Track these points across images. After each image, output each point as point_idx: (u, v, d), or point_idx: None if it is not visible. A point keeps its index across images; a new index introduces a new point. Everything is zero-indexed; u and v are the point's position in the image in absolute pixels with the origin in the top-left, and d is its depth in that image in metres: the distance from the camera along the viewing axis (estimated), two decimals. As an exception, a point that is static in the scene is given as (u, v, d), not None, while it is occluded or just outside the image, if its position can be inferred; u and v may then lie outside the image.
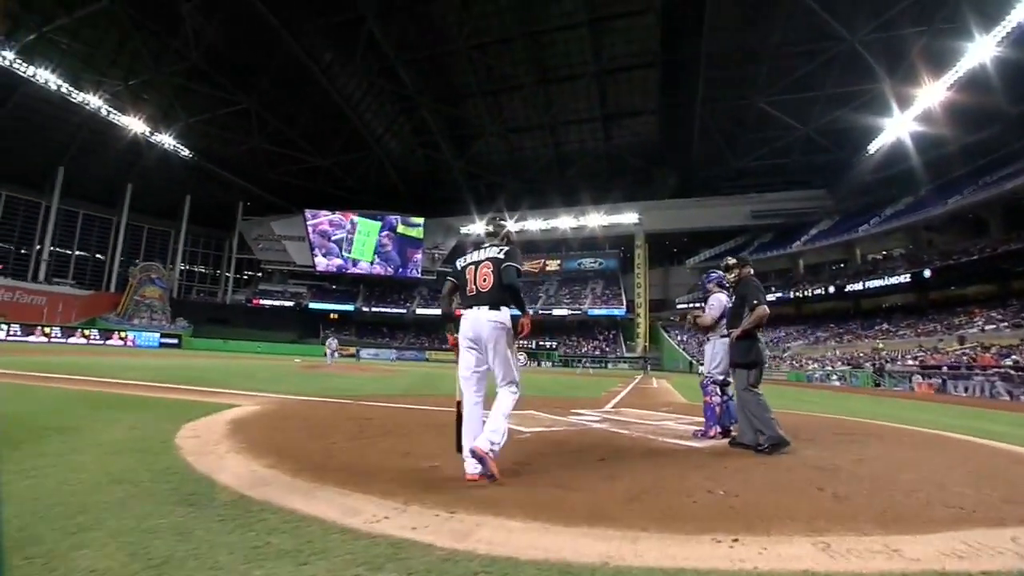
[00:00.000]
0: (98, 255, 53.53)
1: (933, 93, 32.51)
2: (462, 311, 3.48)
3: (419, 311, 59.59)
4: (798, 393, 15.71)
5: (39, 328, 40.52)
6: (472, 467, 2.92)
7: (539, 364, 47.13)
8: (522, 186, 56.37)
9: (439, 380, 13.46)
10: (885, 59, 34.51)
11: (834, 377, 29.55)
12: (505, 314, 3.35)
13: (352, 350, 44.37)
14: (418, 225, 60.63)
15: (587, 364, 36.66)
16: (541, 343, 52.96)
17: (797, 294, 44.49)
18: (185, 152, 49.99)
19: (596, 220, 55.12)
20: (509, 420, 3.20)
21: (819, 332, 41.40)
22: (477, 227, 57.80)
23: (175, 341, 46.56)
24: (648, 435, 4.58)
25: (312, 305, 59.94)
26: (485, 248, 3.50)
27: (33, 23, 37.42)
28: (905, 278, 35.95)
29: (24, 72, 38.08)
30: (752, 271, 4.72)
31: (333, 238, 60.08)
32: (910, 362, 26.64)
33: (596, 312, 55.28)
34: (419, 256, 60.16)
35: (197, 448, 3.31)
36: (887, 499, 2.73)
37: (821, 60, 37.82)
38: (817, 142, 45.01)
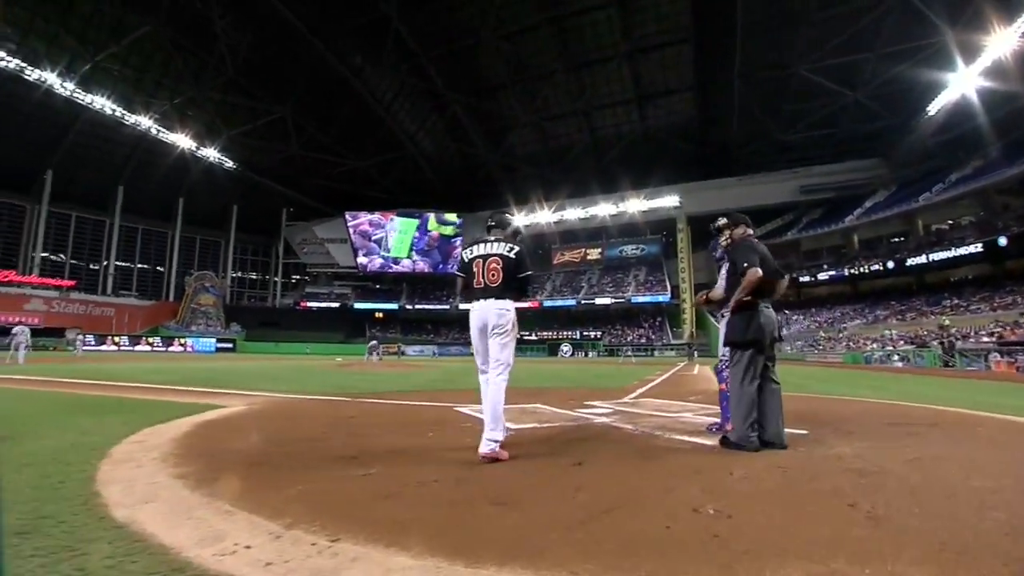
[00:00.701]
0: (157, 267, 56.32)
1: (1003, 42, 29.42)
2: (469, 304, 3.62)
3: (462, 306, 59.37)
4: (852, 376, 14.37)
5: (109, 338, 42.99)
6: (484, 447, 3.16)
7: (585, 354, 46.27)
8: (559, 175, 55.48)
9: (464, 375, 13.08)
10: (946, 7, 31.34)
11: (895, 357, 27.48)
12: (510, 304, 3.55)
13: (396, 347, 44.88)
14: (454, 223, 60.71)
15: (629, 353, 35.57)
16: (585, 333, 52.07)
17: (852, 271, 41.86)
18: (229, 164, 51.87)
19: (636, 205, 53.65)
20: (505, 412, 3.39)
21: (878, 310, 38.79)
22: (516, 219, 56.96)
23: (230, 345, 48.43)
24: (655, 430, 3.93)
25: (357, 305, 61.14)
26: (491, 242, 3.62)
27: (88, 53, 39.49)
28: (976, 248, 33.06)
29: (83, 100, 40.28)
30: (750, 231, 3.92)
31: (374, 239, 61.00)
32: (985, 339, 24.36)
33: (640, 299, 53.90)
34: (459, 252, 60.12)
35: (126, 456, 3.00)
36: (948, 521, 1.94)
37: (871, 17, 35.10)
38: (868, 108, 41.99)
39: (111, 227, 51.73)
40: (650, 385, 9.68)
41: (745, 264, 3.52)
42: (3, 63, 36.18)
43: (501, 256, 3.55)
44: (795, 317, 45.00)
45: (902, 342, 30.31)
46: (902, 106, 39.74)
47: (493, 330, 3.48)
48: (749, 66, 40.94)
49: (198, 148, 48.58)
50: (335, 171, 57.15)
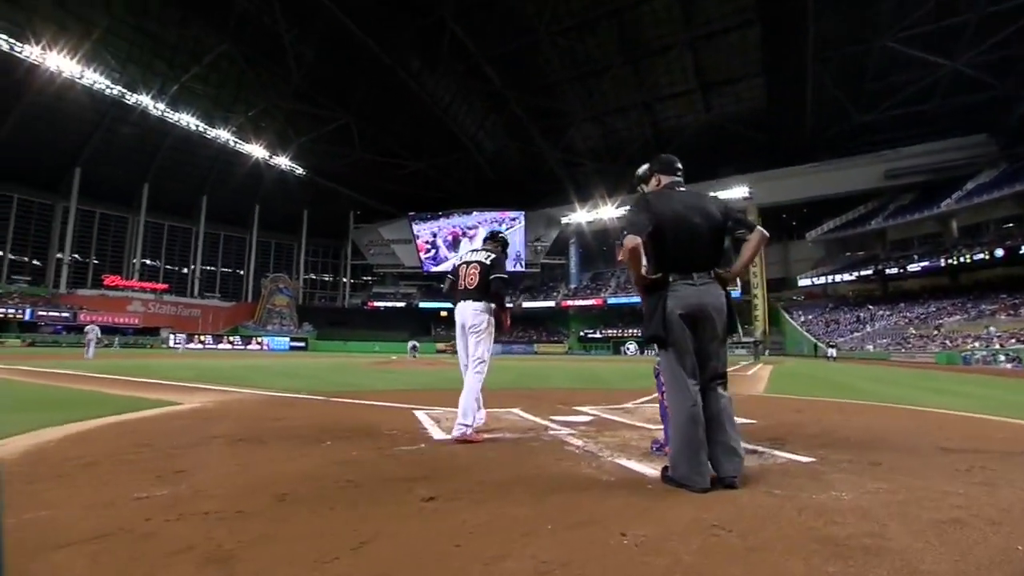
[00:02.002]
0: (238, 270, 60.23)
1: None
2: (454, 304, 4.10)
3: (525, 304, 59.66)
4: (938, 380, 12.65)
5: (196, 337, 46.40)
6: (455, 431, 3.66)
7: (642, 353, 44.71)
8: (621, 170, 54.02)
9: (496, 371, 12.79)
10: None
11: (1002, 358, 24.46)
12: (485, 305, 3.98)
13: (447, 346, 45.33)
14: (515, 220, 60.62)
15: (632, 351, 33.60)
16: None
17: (950, 261, 37.75)
18: (299, 171, 54.45)
19: (702, 198, 51.19)
20: (478, 400, 3.87)
21: (983, 304, 34.84)
22: (578, 216, 56.66)
23: (303, 344, 50.91)
24: (605, 450, 3.28)
25: (422, 304, 62.39)
26: (479, 251, 4.16)
27: (175, 76, 42.89)
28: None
29: (172, 119, 43.76)
30: (674, 180, 2.87)
31: (437, 238, 62.10)
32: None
33: (708, 296, 51.48)
34: (523, 250, 60.13)
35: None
36: None
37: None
38: (969, 78, 37.65)
39: (196, 234, 55.87)
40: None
41: (624, 233, 2.65)
42: (109, 90, 39.83)
43: (479, 263, 4.05)
44: (880, 312, 41.37)
45: (1013, 340, 26.99)
46: (1013, 72, 35.31)
47: (469, 329, 3.96)
48: (824, 44, 37.87)
49: (271, 157, 51.35)
50: (398, 173, 58.64)
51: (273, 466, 2.91)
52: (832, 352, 30.17)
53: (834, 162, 45.75)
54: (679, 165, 2.96)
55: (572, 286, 60.04)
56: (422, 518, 2.03)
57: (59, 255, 47.94)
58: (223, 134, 47.44)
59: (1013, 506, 2.13)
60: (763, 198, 47.90)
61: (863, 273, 44.15)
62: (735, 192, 49.24)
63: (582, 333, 54.78)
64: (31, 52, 35.74)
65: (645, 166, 3.09)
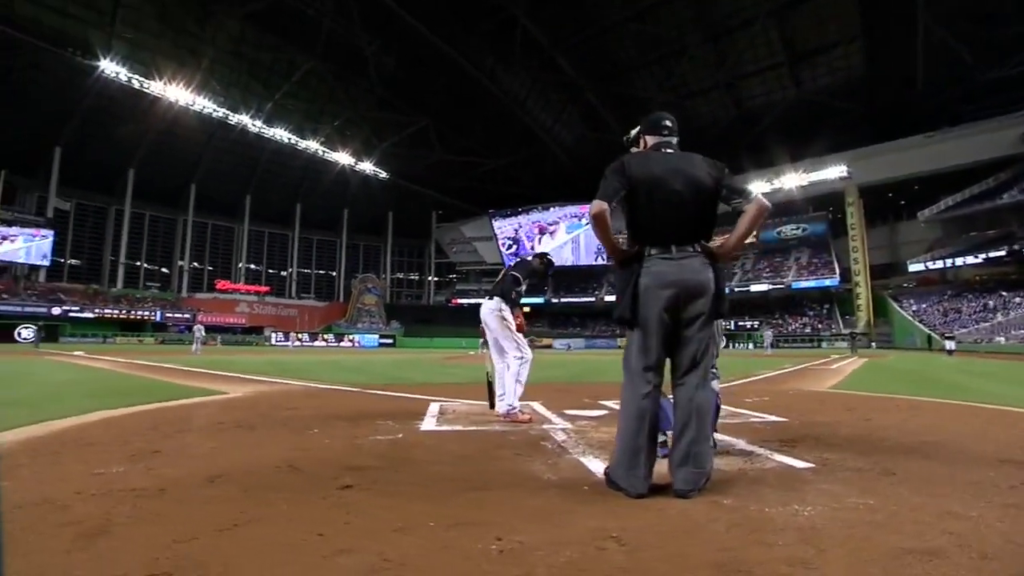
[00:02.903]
0: (330, 272, 64.35)
1: None
2: None
3: (607, 298, 58.68)
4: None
5: (294, 335, 50.07)
6: (501, 409, 4.20)
7: (733, 346, 42.31)
8: (704, 155, 51.56)
9: (551, 367, 12.62)
10: None
11: None
12: (497, 303, 4.37)
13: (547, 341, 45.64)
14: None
15: (766, 344, 30.54)
16: (741, 323, 47.61)
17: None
18: (383, 174, 57.02)
19: (793, 180, 47.58)
20: (521, 383, 4.27)
21: None
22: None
23: (391, 341, 53.31)
24: (588, 447, 3.11)
25: (504, 300, 63.17)
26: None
27: (269, 95, 46.64)
28: None
29: (268, 134, 47.56)
30: (660, 140, 2.49)
31: (518, 234, 62.60)
32: None
33: (803, 284, 47.86)
34: (599, 243, 59.15)
35: None
36: None
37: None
38: None
39: (292, 239, 60.36)
40: (738, 382, 8.30)
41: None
42: (215, 113, 44.05)
43: (506, 266, 4.77)
44: (1016, 299, 36.24)
45: None
46: None
47: (485, 325, 4.48)
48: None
49: (356, 163, 54.22)
50: (478, 171, 59.68)
51: (240, 451, 3.02)
52: (950, 345, 26.74)
53: (953, 130, 40.51)
54: (668, 123, 2.55)
55: (655, 279, 58.08)
56: (312, 505, 2.02)
57: (180, 263, 53.79)
58: (312, 144, 50.77)
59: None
60: (864, 176, 43.61)
61: (994, 254, 38.83)
62: (830, 172, 45.29)
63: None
64: (154, 87, 40.24)
65: (637, 128, 2.68)
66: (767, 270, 51.78)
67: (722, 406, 5.04)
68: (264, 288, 56.81)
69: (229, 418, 4.23)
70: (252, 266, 59.08)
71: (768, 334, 29.64)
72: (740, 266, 53.85)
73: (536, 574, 1.40)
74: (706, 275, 2.29)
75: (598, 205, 2.26)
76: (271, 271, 60.57)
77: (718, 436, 3.52)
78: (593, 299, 59.50)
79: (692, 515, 1.89)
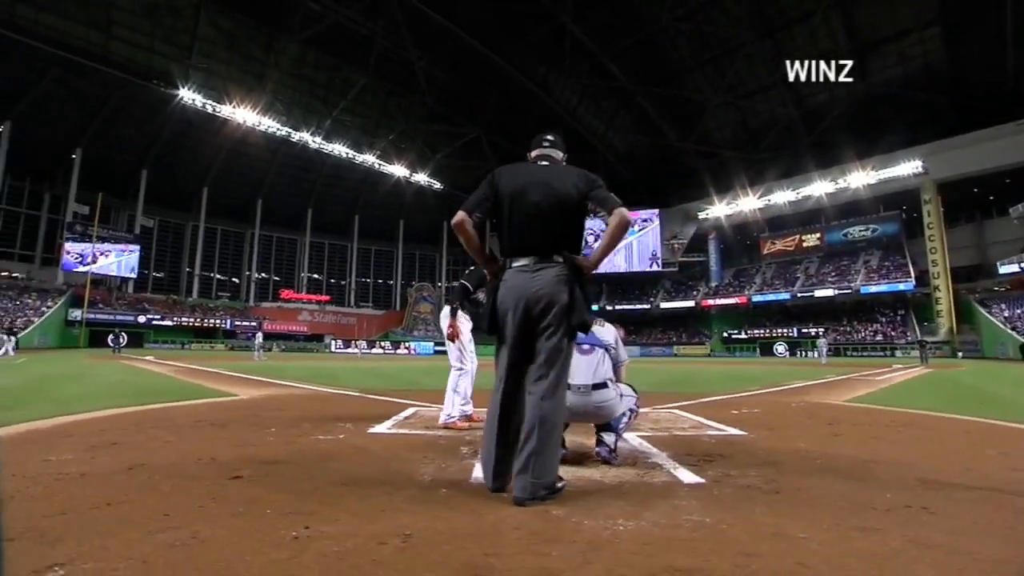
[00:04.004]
0: (387, 281, 66.48)
1: None
2: None
3: (663, 305, 57.39)
4: None
5: (353, 342, 52.02)
6: (440, 419, 4.35)
7: (803, 355, 40.12)
8: (763, 156, 49.56)
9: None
10: None
11: None
12: (446, 312, 4.44)
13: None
14: (648, 220, 58.54)
15: (820, 351, 27.94)
16: (804, 330, 45.19)
17: None
18: (437, 185, 58.45)
19: (861, 179, 44.78)
20: (459, 394, 4.38)
21: None
22: (717, 209, 53.12)
23: (445, 349, 54.39)
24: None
25: (556, 308, 62.92)
26: None
27: (328, 112, 49.15)
28: None
29: (328, 150, 50.03)
30: (540, 153, 2.61)
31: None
32: None
33: (873, 289, 44.77)
34: (658, 249, 57.92)
35: None
36: None
37: None
38: None
39: (351, 250, 62.88)
40: (745, 393, 7.95)
41: None
42: (278, 132, 46.88)
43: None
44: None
45: None
46: None
47: (441, 333, 4.63)
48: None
49: (411, 175, 55.91)
50: (529, 181, 59.98)
51: (186, 445, 3.36)
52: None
53: (1046, 118, 36.83)
54: (550, 137, 2.66)
55: (713, 284, 56.16)
56: (189, 491, 2.27)
57: (248, 273, 57.34)
58: (369, 158, 52.88)
59: (842, 561, 1.58)
60: (942, 171, 40.38)
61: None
62: (903, 168, 42.27)
63: (725, 334, 50.92)
64: (225, 110, 43.40)
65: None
66: (832, 274, 48.82)
67: (682, 415, 4.98)
68: (325, 297, 59.45)
69: (212, 417, 4.59)
70: (314, 276, 62.02)
71: (822, 342, 27.57)
72: (803, 270, 51.14)
73: (303, 558, 1.56)
74: (559, 287, 2.30)
75: (459, 215, 2.35)
76: (331, 280, 63.32)
77: (641, 445, 3.51)
78: (648, 306, 58.29)
79: (504, 521, 1.93)
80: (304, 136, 48.21)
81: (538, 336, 2.30)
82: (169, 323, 46.12)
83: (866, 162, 44.21)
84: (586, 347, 2.99)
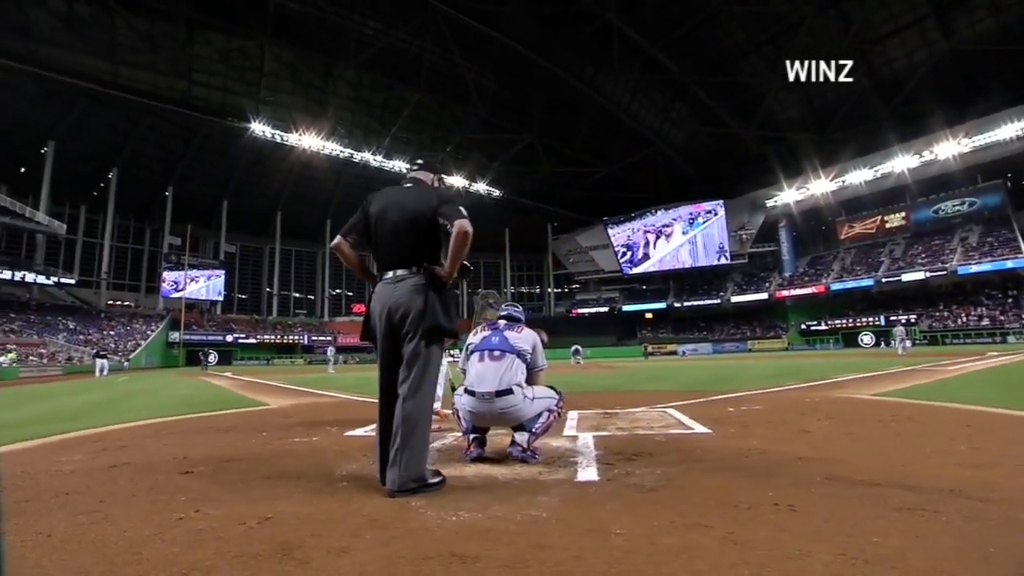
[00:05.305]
0: (455, 290, 68.00)
1: None
2: None
3: (734, 299, 55.07)
4: None
5: (447, 352, 53.72)
6: None
7: (883, 345, 37.08)
8: (834, 135, 46.47)
9: (626, 379, 12.35)
10: None
11: None
12: None
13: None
14: (711, 212, 56.45)
15: (898, 340, 24.72)
16: (893, 317, 41.63)
17: None
18: (496, 193, 59.35)
19: (952, 149, 40.83)
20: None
21: None
22: (786, 195, 50.40)
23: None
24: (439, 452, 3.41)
25: (625, 308, 61.95)
26: None
27: (386, 131, 51.42)
28: None
29: (387, 167, 52.27)
30: (409, 175, 2.95)
31: (634, 240, 61.32)
32: None
33: (974, 269, 40.55)
34: (725, 241, 55.74)
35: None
36: None
37: None
38: None
39: (416, 261, 65.12)
40: (802, 386, 7.57)
41: None
42: (341, 154, 49.62)
43: None
44: None
45: None
46: None
47: None
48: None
49: (470, 185, 57.16)
50: (588, 181, 59.63)
51: (177, 447, 3.88)
52: None
53: None
54: (419, 161, 3.05)
55: (787, 274, 53.17)
56: (140, 482, 2.70)
57: (322, 290, 60.85)
58: (429, 172, 54.55)
59: (624, 556, 1.61)
60: (1053, 132, 36.11)
61: None
62: (1004, 132, 38.25)
63: (803, 326, 48.04)
64: (291, 138, 46.55)
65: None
66: (923, 255, 44.72)
67: (669, 414, 4.92)
68: (393, 309, 61.87)
69: (223, 425, 5.17)
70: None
71: (899, 331, 24.82)
72: (888, 253, 47.25)
73: (170, 534, 1.89)
74: (415, 296, 2.53)
75: (336, 239, 2.74)
76: (399, 293, 65.90)
77: (583, 444, 3.59)
78: (719, 301, 56.04)
79: (360, 510, 2.15)
80: (366, 156, 50.66)
81: (402, 342, 2.54)
82: (253, 341, 49.91)
83: (957, 129, 40.33)
84: (497, 353, 3.16)
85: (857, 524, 1.86)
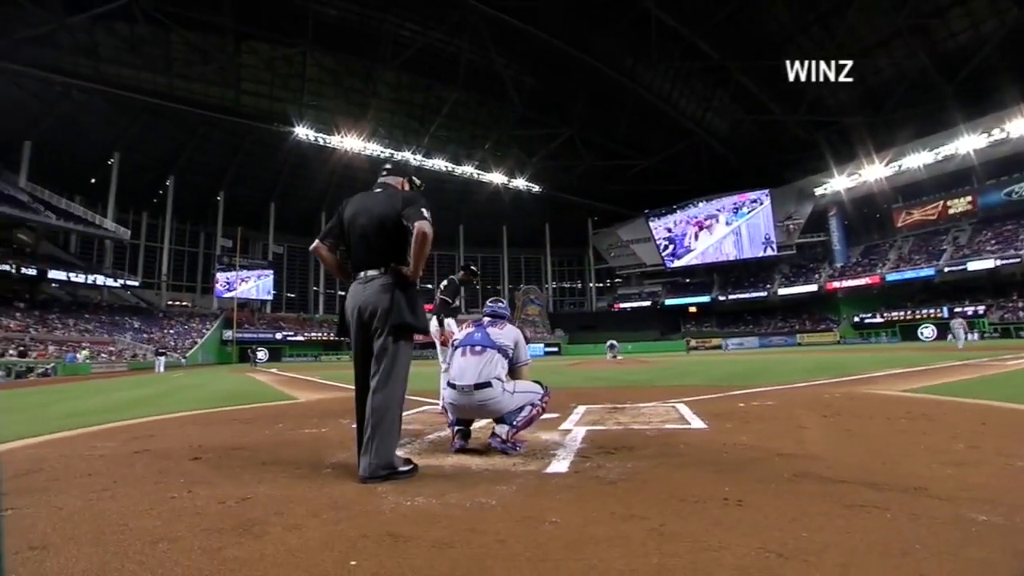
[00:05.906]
0: (496, 286, 68.62)
1: None
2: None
3: (781, 291, 53.15)
4: None
5: (465, 347, 54.38)
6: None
7: (945, 337, 34.91)
8: (889, 117, 44.02)
9: (671, 374, 12.23)
10: None
11: None
12: (434, 323, 5.41)
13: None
14: (756, 201, 54.59)
15: (958, 333, 22.88)
16: (957, 309, 39.16)
17: None
18: (536, 188, 59.33)
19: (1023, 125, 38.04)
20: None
21: None
22: (836, 182, 48.22)
23: (556, 349, 54.92)
24: (412, 441, 3.59)
25: (668, 302, 60.76)
26: None
27: (425, 130, 52.30)
28: None
29: (428, 165, 53.06)
30: (379, 182, 3.13)
31: (676, 232, 60.05)
32: None
33: (1051, 256, 37.66)
34: (771, 232, 53.86)
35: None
36: None
37: None
38: None
39: (456, 258, 65.79)
40: (833, 381, 7.34)
41: None
42: (381, 154, 50.72)
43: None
44: None
45: None
46: None
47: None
48: None
49: (509, 181, 57.36)
50: (629, 174, 58.76)
51: (196, 436, 4.22)
52: None
53: None
54: (388, 166, 3.19)
55: (838, 265, 50.83)
56: (153, 466, 3.01)
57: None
58: (468, 169, 55.16)
59: (548, 542, 1.71)
60: None
61: None
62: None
63: (856, 318, 45.91)
64: (334, 141, 47.99)
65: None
66: (992, 242, 41.76)
67: (676, 408, 4.93)
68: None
69: (247, 416, 5.55)
70: (427, 285, 65.91)
71: (956, 323, 23.07)
72: (951, 241, 44.43)
73: (157, 510, 2.14)
74: (382, 294, 2.72)
75: (315, 242, 2.95)
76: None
77: (571, 439, 3.67)
78: (765, 293, 54.21)
79: (330, 494, 2.34)
80: (406, 155, 51.57)
81: (372, 338, 2.73)
82: (301, 338, 51.86)
83: (1032, 110, 37.49)
84: (478, 348, 3.30)
85: (796, 520, 1.87)
